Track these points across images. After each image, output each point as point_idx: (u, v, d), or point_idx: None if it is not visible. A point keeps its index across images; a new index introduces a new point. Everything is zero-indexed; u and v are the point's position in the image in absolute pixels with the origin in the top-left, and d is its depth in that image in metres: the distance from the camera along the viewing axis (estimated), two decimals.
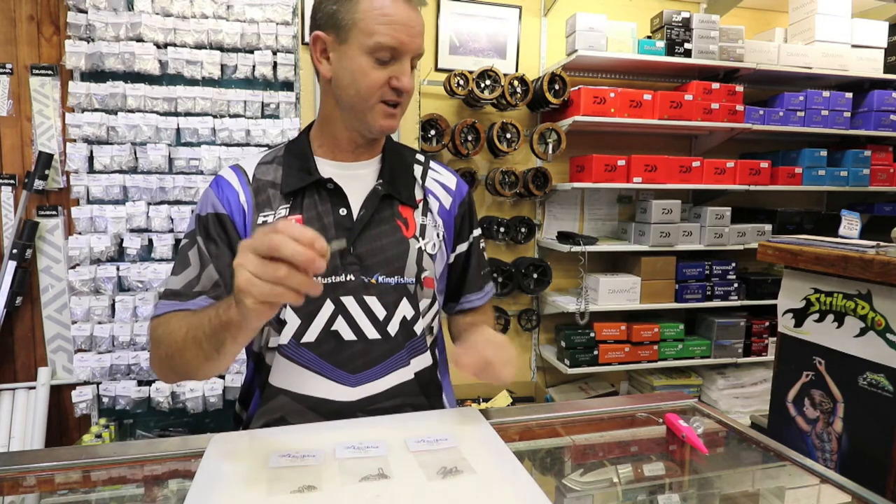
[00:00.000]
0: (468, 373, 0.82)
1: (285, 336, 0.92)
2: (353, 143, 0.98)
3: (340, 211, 0.95)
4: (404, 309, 0.96)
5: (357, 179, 0.98)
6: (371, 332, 0.93)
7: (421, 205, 1.02)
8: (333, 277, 0.92)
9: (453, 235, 1.07)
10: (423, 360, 0.99)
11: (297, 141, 1.02)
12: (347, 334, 0.92)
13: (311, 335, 0.92)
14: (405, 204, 0.99)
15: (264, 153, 1.03)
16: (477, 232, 1.12)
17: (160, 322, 0.87)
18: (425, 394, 0.98)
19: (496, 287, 2.78)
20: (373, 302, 0.94)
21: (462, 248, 1.09)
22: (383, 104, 0.90)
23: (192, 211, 1.10)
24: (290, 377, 0.92)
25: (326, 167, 0.98)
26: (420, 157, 1.09)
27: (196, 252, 0.92)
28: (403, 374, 0.95)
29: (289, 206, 0.94)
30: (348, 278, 0.92)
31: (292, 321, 0.91)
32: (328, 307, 0.92)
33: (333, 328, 0.92)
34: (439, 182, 1.07)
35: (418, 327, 0.98)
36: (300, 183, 0.95)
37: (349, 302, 0.93)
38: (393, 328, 0.94)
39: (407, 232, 0.98)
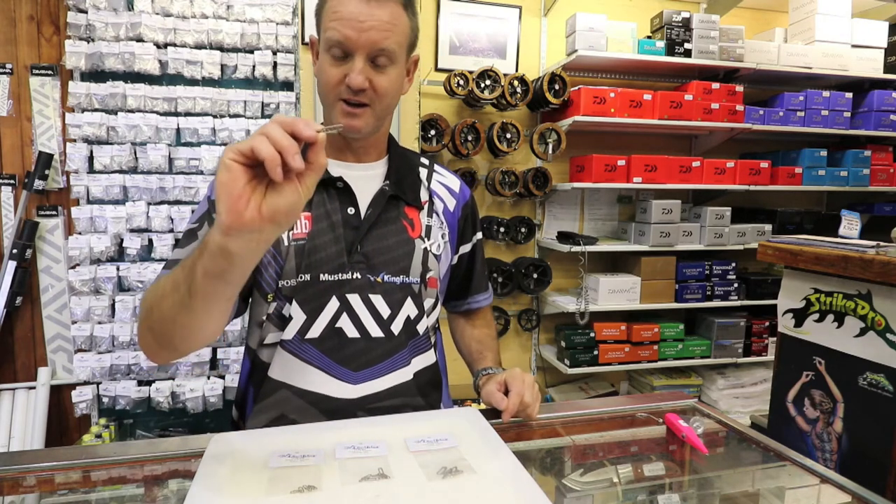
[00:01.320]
0: (505, 419, 0.88)
1: (289, 332, 0.92)
2: (342, 141, 0.98)
3: (348, 210, 0.95)
4: (408, 308, 0.96)
5: (364, 180, 0.99)
6: (375, 331, 0.94)
7: (426, 206, 1.03)
8: (340, 275, 0.92)
9: (456, 237, 1.09)
10: (425, 360, 1.00)
11: None
12: (351, 332, 0.93)
13: (315, 331, 0.92)
14: (411, 205, 1.00)
15: None
16: (479, 234, 1.15)
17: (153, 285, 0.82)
18: (423, 394, 0.98)
19: (496, 287, 2.79)
20: (378, 300, 0.94)
21: (465, 248, 1.11)
22: (342, 103, 0.89)
23: (193, 210, 1.09)
24: (292, 372, 0.92)
25: (335, 167, 0.99)
26: (425, 160, 1.11)
27: (208, 227, 0.90)
28: (403, 375, 0.95)
29: None
30: (354, 276, 0.93)
31: (297, 317, 0.92)
32: (333, 304, 0.92)
33: (338, 325, 0.92)
34: (444, 184, 1.09)
35: (421, 327, 0.99)
36: None
37: (354, 300, 0.93)
38: (396, 327, 0.95)
39: (413, 232, 0.98)
